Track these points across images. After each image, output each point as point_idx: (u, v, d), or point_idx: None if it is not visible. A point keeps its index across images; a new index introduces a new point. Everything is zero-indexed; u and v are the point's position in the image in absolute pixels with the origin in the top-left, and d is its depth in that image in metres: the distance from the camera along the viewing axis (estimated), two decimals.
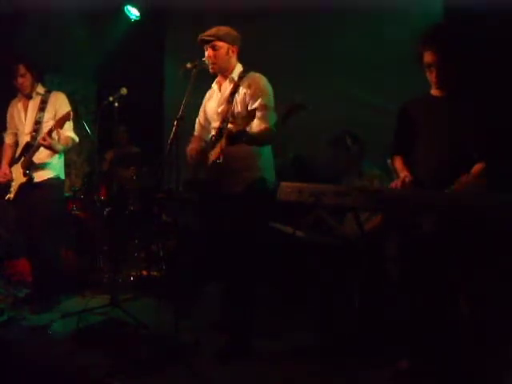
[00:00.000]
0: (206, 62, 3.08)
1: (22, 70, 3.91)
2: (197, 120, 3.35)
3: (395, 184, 2.61)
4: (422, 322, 2.63)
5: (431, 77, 2.62)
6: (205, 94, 3.33)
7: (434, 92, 2.69)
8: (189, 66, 3.04)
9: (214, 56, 3.01)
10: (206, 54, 3.02)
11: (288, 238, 4.01)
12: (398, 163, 2.79)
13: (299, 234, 3.77)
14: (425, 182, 2.57)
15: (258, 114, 2.75)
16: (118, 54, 5.58)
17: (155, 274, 4.59)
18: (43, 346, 3.12)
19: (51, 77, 5.44)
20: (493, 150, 2.53)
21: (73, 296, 4.17)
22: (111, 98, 3.83)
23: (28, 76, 3.93)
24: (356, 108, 4.55)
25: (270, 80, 3.04)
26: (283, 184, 2.53)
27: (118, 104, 3.81)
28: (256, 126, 2.85)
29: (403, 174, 2.66)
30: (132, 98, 3.88)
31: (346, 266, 3.48)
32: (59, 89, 4.25)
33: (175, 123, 2.94)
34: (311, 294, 3.74)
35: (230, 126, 2.86)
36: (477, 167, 2.53)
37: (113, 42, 5.63)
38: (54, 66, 5.42)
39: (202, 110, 3.30)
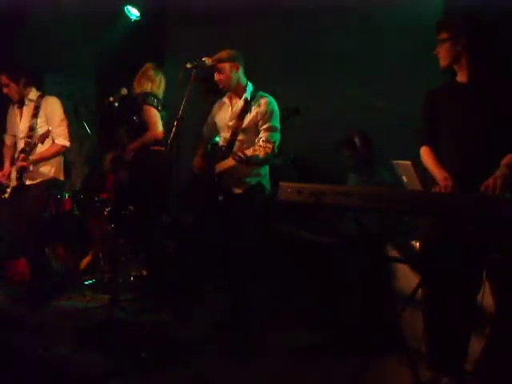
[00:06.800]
0: (207, 62, 3.22)
1: (4, 80, 3.92)
2: (205, 125, 3.60)
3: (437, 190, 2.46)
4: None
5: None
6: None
7: (460, 79, 2.60)
8: (189, 66, 3.13)
9: (220, 77, 3.33)
10: (215, 77, 3.35)
11: (289, 239, 4.02)
12: (429, 159, 2.62)
13: (300, 234, 3.78)
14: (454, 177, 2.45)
15: (266, 134, 3.21)
16: (118, 54, 5.57)
17: (155, 273, 4.58)
18: (43, 346, 3.11)
19: (51, 77, 5.44)
20: None
21: (73, 296, 4.17)
22: (111, 98, 3.84)
23: (12, 85, 3.92)
24: (356, 109, 4.55)
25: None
26: (283, 184, 2.52)
27: (119, 104, 3.81)
28: (263, 144, 3.14)
29: (441, 175, 2.50)
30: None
31: (346, 266, 3.48)
32: (59, 89, 4.25)
33: (175, 123, 3.01)
34: (311, 294, 3.75)
35: (240, 138, 3.31)
36: (508, 157, 2.38)
37: (113, 41, 5.63)
38: (54, 66, 5.42)
39: (211, 116, 3.56)
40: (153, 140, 4.07)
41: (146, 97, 4.09)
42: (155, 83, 4.19)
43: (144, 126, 4.07)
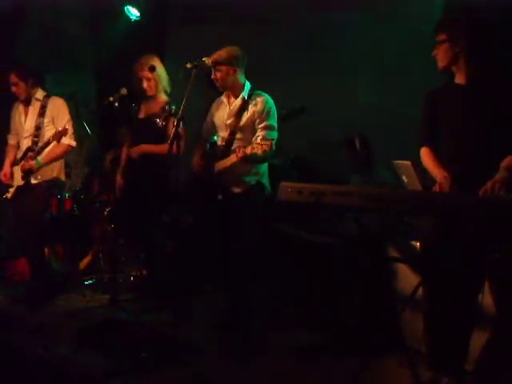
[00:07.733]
0: (207, 62, 3.22)
1: (13, 78, 3.94)
2: (204, 124, 3.58)
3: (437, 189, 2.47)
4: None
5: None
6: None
7: (458, 80, 2.61)
8: (189, 66, 3.13)
9: (217, 77, 3.33)
10: (213, 75, 3.35)
11: (289, 239, 4.02)
12: (429, 159, 2.63)
13: (300, 234, 3.78)
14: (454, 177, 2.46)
15: (263, 132, 3.21)
16: (118, 54, 5.58)
17: (155, 273, 4.59)
18: (43, 346, 3.12)
19: (51, 77, 5.44)
20: None
21: (73, 296, 4.17)
22: (111, 99, 3.83)
23: (21, 84, 3.94)
24: (356, 108, 4.55)
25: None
26: (283, 184, 2.52)
27: (119, 104, 3.81)
28: (261, 142, 3.09)
29: (441, 174, 2.50)
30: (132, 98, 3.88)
31: (346, 266, 3.48)
32: (59, 88, 4.25)
33: (175, 123, 3.01)
34: (311, 294, 3.75)
35: (238, 136, 3.31)
36: (508, 160, 2.40)
37: (113, 41, 5.63)
38: (54, 66, 5.42)
39: (209, 115, 3.54)
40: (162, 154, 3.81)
41: (174, 107, 3.86)
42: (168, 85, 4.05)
43: (164, 135, 3.86)
